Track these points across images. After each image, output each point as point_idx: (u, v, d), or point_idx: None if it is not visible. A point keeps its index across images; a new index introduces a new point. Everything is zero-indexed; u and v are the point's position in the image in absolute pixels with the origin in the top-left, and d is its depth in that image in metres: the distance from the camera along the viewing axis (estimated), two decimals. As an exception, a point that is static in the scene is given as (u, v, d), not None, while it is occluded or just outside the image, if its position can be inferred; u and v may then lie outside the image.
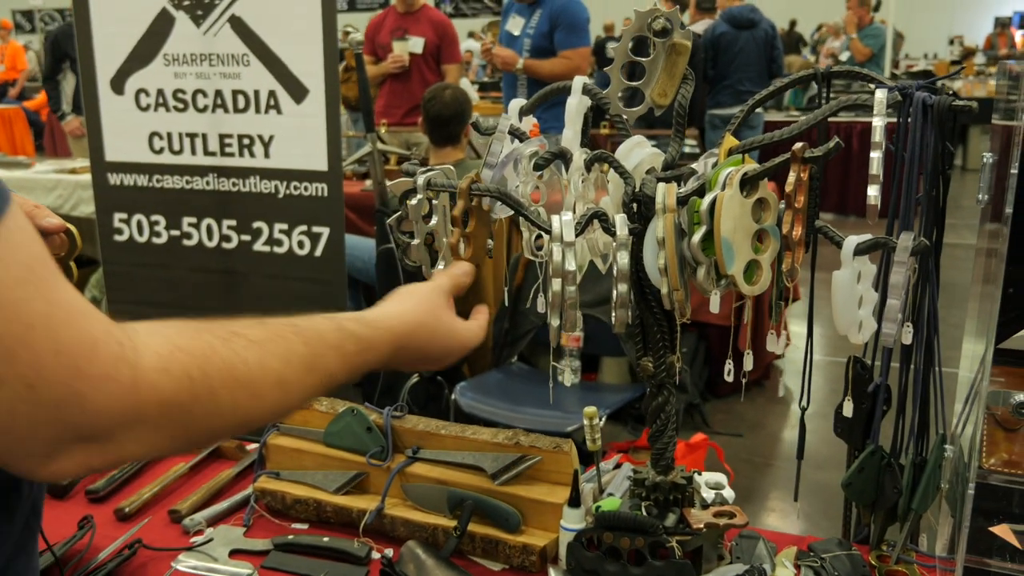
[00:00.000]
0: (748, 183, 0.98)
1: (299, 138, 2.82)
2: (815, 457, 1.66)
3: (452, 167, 1.18)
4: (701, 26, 6.99)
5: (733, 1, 6.87)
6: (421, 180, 1.11)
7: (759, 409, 4.14)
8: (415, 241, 1.12)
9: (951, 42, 15.50)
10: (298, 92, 2.78)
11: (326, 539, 1.33)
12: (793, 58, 11.58)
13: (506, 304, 3.07)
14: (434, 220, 1.12)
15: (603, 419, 2.87)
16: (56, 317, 0.58)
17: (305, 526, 1.40)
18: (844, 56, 8.52)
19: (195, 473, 1.58)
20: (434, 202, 1.13)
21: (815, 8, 14.56)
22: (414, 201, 1.10)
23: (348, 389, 3.12)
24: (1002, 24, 15.46)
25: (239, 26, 2.79)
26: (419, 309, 0.98)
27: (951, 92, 1.13)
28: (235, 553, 1.34)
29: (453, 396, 2.97)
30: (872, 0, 8.49)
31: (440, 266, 1.15)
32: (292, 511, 1.41)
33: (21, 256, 0.57)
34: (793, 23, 13.59)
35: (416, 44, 5.32)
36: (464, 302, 1.15)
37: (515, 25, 4.78)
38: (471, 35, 14.01)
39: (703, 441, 2.83)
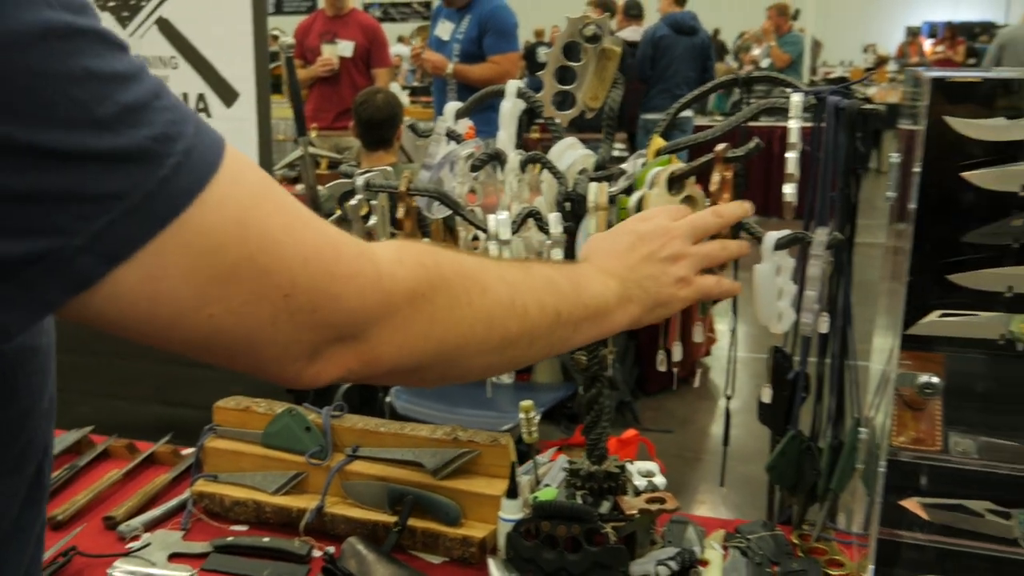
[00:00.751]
0: (675, 182, 1.03)
1: (230, 142, 2.79)
2: (742, 450, 1.74)
3: (389, 169, 1.21)
4: (628, 32, 7.12)
5: (668, 7, 7.00)
6: (360, 181, 1.13)
7: (688, 405, 4.24)
8: (355, 240, 1.15)
9: (865, 50, 16.08)
10: (228, 95, 2.77)
11: (266, 539, 1.34)
12: (718, 65, 11.87)
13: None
14: (372, 220, 1.15)
15: (537, 417, 2.92)
16: (296, 227, 0.60)
17: (245, 527, 1.41)
18: (765, 63, 8.78)
19: (130, 479, 1.57)
20: (372, 203, 1.16)
21: (737, 17, 14.95)
22: (353, 202, 1.13)
23: (281, 394, 3.07)
24: (912, 33, 16.09)
25: (167, 28, 2.76)
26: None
27: (863, 97, 1.20)
28: (174, 557, 1.34)
29: (388, 398, 2.98)
30: (791, 9, 8.77)
31: (379, 265, 1.17)
32: (231, 513, 1.41)
33: (252, 176, 0.59)
34: (716, 31, 13.92)
35: (346, 48, 5.31)
36: None
37: (444, 30, 4.81)
38: (400, 40, 13.97)
39: (634, 437, 2.89)
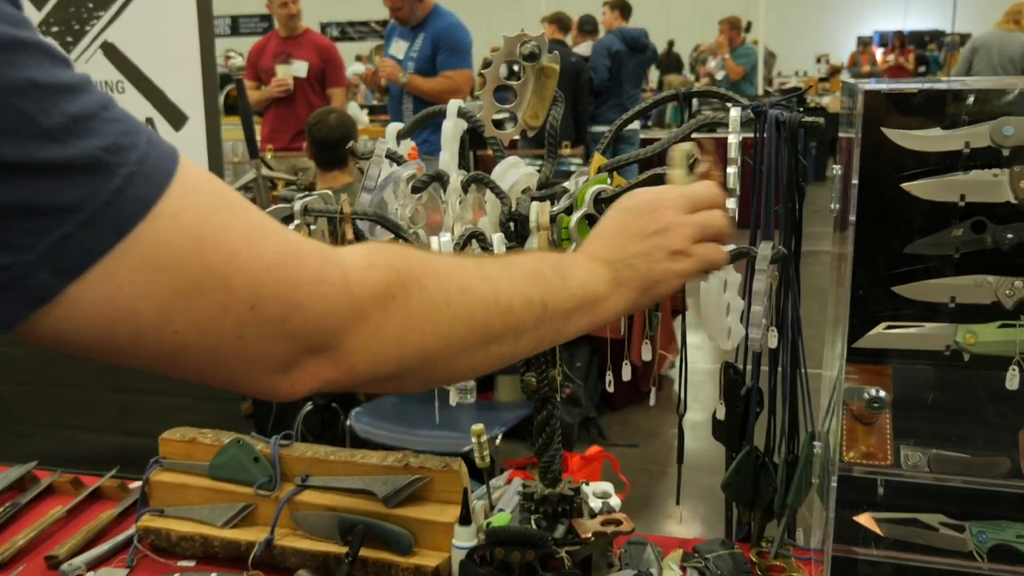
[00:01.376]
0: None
1: (179, 166, 2.76)
2: (708, 462, 1.72)
3: (332, 192, 1.18)
4: (584, 48, 7.16)
5: (614, 22, 7.05)
6: (298, 206, 1.11)
7: (653, 419, 4.24)
8: (293, 267, 1.12)
9: (818, 60, 16.33)
10: (177, 119, 2.72)
11: (214, 574, 1.30)
12: (673, 77, 11.99)
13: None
14: (312, 245, 1.12)
15: (499, 437, 2.90)
16: (256, 237, 0.58)
17: (192, 563, 1.37)
18: (720, 75, 8.88)
19: (73, 516, 1.52)
20: (312, 227, 1.14)
21: (690, 28, 15.12)
22: (291, 227, 1.10)
23: (240, 420, 3.01)
24: (864, 43, 16.39)
25: (112, 52, 2.72)
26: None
27: (815, 107, 1.20)
28: (119, 596, 1.29)
29: (348, 422, 2.94)
30: (742, 22, 8.88)
31: (320, 291, 1.15)
32: (178, 548, 1.37)
33: (208, 186, 0.57)
34: (671, 43, 14.07)
35: (300, 68, 5.28)
36: None
37: (398, 49, 4.79)
38: (358, 59, 13.94)
39: (598, 453, 2.88)
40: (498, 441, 2.84)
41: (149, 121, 2.75)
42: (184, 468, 1.41)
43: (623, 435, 3.99)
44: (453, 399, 1.28)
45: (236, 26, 16.29)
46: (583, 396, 3.63)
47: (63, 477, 1.60)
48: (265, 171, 4.20)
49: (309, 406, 3.09)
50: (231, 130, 4.45)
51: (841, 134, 1.21)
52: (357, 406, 3.03)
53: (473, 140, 1.34)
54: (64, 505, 1.51)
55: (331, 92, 5.38)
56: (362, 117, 8.74)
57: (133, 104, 2.74)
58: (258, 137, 5.50)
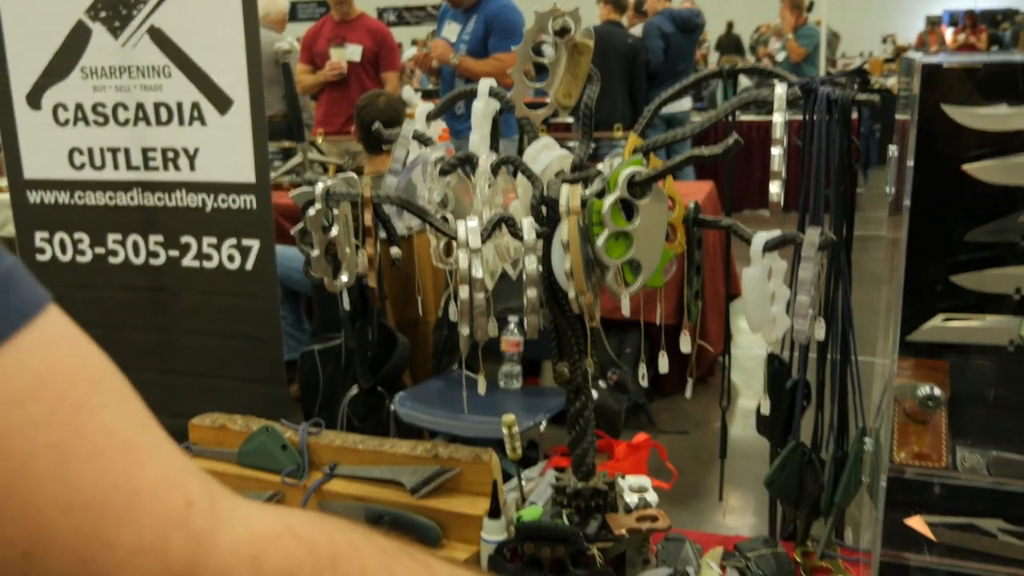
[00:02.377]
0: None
1: (225, 150, 2.76)
2: (761, 452, 1.66)
3: (371, 177, 1.14)
4: (639, 29, 7.03)
5: (660, 3, 6.91)
6: (319, 189, 1.07)
7: (704, 406, 4.15)
8: (315, 252, 1.08)
9: (884, 40, 15.84)
10: (222, 103, 2.72)
11: (243, 563, 1.28)
12: (734, 58, 11.73)
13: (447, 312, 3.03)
14: (334, 231, 1.09)
15: (544, 423, 2.85)
16: (72, 452, 0.40)
17: (223, 550, 1.35)
18: (780, 56, 8.64)
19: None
20: (335, 211, 1.10)
21: (749, 9, 14.78)
22: (311, 212, 1.07)
23: (287, 404, 3.02)
24: (932, 22, 15.85)
25: (159, 37, 2.72)
26: None
27: (876, 89, 1.13)
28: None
29: (392, 406, 2.93)
30: (805, 1, 8.63)
31: (344, 278, 1.11)
32: (209, 535, 1.36)
33: (32, 363, 0.40)
34: (730, 25, 13.77)
35: (354, 52, 5.26)
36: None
37: (451, 31, 4.75)
38: (415, 43, 13.94)
39: (645, 441, 2.82)
40: (543, 427, 2.80)
41: (195, 106, 2.75)
42: (213, 455, 1.40)
43: (673, 422, 3.92)
44: (480, 387, 1.23)
45: (294, 12, 16.44)
46: (631, 382, 3.57)
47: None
48: (314, 155, 4.20)
49: (355, 390, 3.08)
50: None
51: (898, 114, 1.14)
52: (402, 390, 3.02)
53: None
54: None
55: (385, 76, 5.36)
56: (416, 101, 8.73)
57: (179, 89, 2.75)
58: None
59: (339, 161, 4.48)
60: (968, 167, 0.94)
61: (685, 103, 6.55)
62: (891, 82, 9.43)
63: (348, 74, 5.24)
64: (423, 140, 1.20)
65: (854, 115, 1.14)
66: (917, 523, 1.04)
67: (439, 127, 1.27)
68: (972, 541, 1.02)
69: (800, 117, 1.19)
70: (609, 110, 5.61)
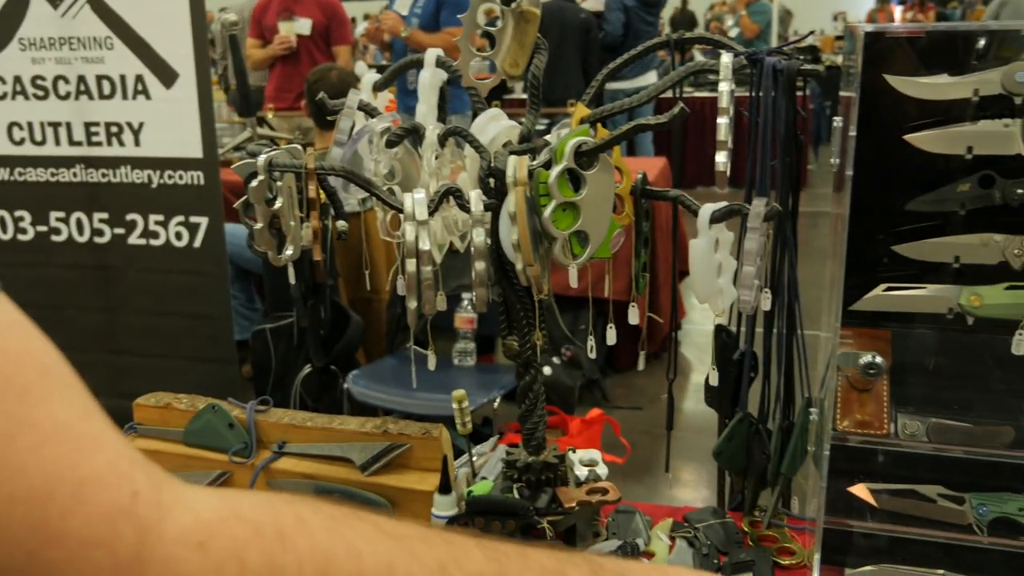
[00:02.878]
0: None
1: (171, 124, 2.70)
2: (714, 426, 1.67)
3: (300, 147, 1.12)
4: (594, 3, 7.00)
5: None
6: (261, 160, 1.05)
7: (659, 382, 4.16)
8: (258, 225, 1.06)
9: (835, 18, 15.99)
10: (167, 76, 2.66)
11: (190, 542, 1.26)
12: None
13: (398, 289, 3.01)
14: (278, 203, 1.07)
15: (498, 400, 2.85)
16: (17, 442, 0.39)
17: (170, 530, 1.33)
18: (733, 33, 8.69)
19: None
20: (278, 184, 1.08)
21: (705, -15, 14.81)
22: (255, 183, 1.05)
23: (239, 383, 2.98)
24: (882, 1, 16.02)
25: (100, 7, 2.64)
26: None
27: (828, 67, 1.13)
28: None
29: (346, 385, 2.91)
30: (758, -23, 8.68)
31: (288, 251, 1.09)
32: (155, 515, 1.33)
33: None
34: (685, 1, 13.80)
35: (303, 25, 5.17)
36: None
37: (403, 5, 4.69)
38: (367, 17, 13.75)
39: (599, 416, 2.84)
40: (496, 404, 2.80)
41: (139, 79, 2.69)
42: (158, 434, 1.37)
43: (627, 398, 3.95)
44: (431, 363, 1.22)
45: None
46: (585, 358, 3.58)
47: (41, 442, 1.56)
48: (264, 131, 4.13)
49: (307, 369, 3.05)
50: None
51: (842, 89, 1.14)
52: (355, 369, 3.00)
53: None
54: (40, 470, 1.48)
55: (336, 50, 5.28)
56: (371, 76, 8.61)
57: (122, 61, 2.68)
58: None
59: (289, 136, 4.41)
60: (909, 137, 0.95)
61: (650, 78, 6.54)
62: (841, 59, 9.53)
63: (298, 49, 5.15)
64: (369, 111, 1.18)
65: (808, 91, 1.15)
66: (860, 490, 1.05)
67: (386, 98, 1.25)
68: (912, 507, 1.04)
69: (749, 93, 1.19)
70: (563, 87, 5.59)
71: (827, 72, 1.13)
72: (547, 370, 3.43)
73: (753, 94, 1.13)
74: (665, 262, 3.46)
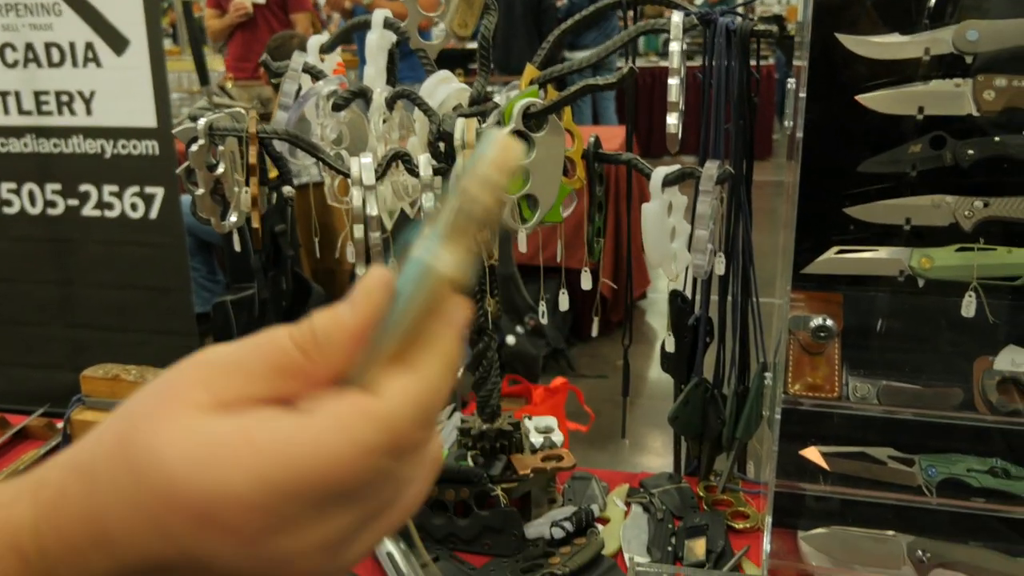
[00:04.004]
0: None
1: (123, 93, 2.63)
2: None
3: (240, 110, 1.09)
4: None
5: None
6: (201, 124, 1.02)
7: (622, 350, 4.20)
8: (199, 191, 1.03)
9: (803, -14, 15.97)
10: (118, 43, 2.59)
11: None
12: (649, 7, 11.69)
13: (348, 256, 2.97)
14: (220, 169, 1.04)
15: (460, 371, 2.84)
16: None
17: (120, 504, 1.31)
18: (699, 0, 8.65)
19: (-2, 457, 1.45)
20: (220, 148, 1.05)
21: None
22: (195, 147, 1.01)
23: (165, 358, 2.99)
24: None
25: (46, -29, 2.56)
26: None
27: (790, 36, 1.11)
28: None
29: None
30: (725, -56, 8.62)
31: (232, 218, 1.06)
32: (105, 490, 1.31)
33: None
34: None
35: (259, -8, 5.07)
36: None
37: (364, -29, 4.61)
38: (331, -14, 13.50)
39: (563, 385, 2.84)
40: (459, 374, 2.78)
41: (89, 46, 2.61)
42: (107, 407, 1.34)
43: (592, 367, 3.96)
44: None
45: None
46: (550, 328, 3.58)
47: (-12, 416, 1.53)
48: (223, 100, 4.04)
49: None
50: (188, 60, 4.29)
51: (796, 50, 1.13)
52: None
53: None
54: (-13, 445, 1.45)
55: (294, 18, 5.18)
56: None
57: (70, 28, 2.60)
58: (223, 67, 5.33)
59: (248, 107, 4.33)
60: (860, 97, 0.94)
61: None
62: (808, 28, 9.52)
63: (256, 17, 5.05)
64: (315, 73, 1.14)
65: (773, 60, 1.13)
66: (811, 453, 1.06)
67: (335, 61, 1.21)
68: (863, 469, 1.04)
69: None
70: (519, 55, 5.54)
71: (787, 40, 1.12)
72: (511, 340, 3.43)
73: (705, 56, 1.12)
74: (624, 229, 3.46)
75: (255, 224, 1.02)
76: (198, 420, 0.37)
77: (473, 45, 1.09)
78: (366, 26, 1.16)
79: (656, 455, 3.22)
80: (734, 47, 1.09)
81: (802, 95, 0.92)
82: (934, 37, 0.93)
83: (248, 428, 0.36)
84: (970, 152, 0.96)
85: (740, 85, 1.08)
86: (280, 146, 1.13)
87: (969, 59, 0.93)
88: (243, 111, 1.07)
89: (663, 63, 6.73)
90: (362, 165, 1.02)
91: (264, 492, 0.35)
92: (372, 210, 1.02)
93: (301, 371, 0.38)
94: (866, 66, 0.94)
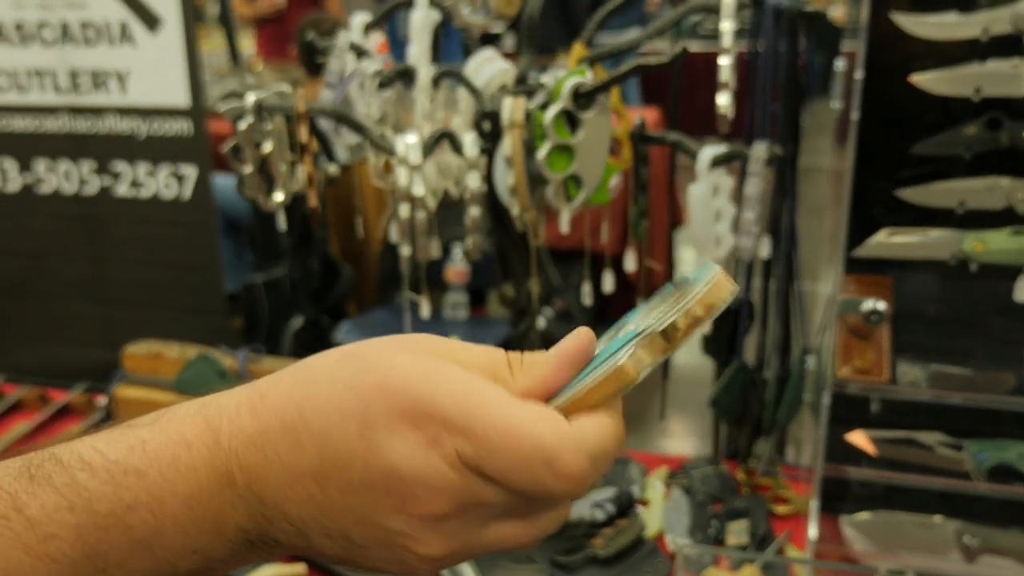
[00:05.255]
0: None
1: (156, 72, 2.64)
2: (706, 376, 1.67)
3: (287, 89, 1.09)
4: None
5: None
6: (250, 101, 1.02)
7: (651, 335, 4.19)
8: (247, 169, 1.03)
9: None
10: (151, 21, 2.60)
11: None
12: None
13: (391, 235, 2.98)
14: (267, 147, 1.04)
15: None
16: None
17: (162, 480, 1.32)
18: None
19: (41, 432, 1.47)
20: (268, 128, 1.05)
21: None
22: (243, 125, 1.02)
23: (230, 335, 2.97)
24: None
25: (80, -51, 2.57)
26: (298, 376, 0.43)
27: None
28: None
29: (339, 336, 2.89)
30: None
31: (279, 196, 1.07)
32: (147, 465, 1.32)
33: None
34: (681, -50, 13.59)
35: (291, -20, 5.05)
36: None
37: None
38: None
39: (592, 369, 2.83)
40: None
41: (123, 25, 2.62)
42: (150, 383, 1.36)
43: (620, 351, 3.95)
44: (424, 311, 1.20)
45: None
46: (577, 311, 3.57)
47: (31, 392, 1.55)
48: (254, 81, 4.05)
49: (300, 321, 3.03)
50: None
51: (846, 43, 1.11)
52: (346, 319, 2.98)
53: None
54: (30, 421, 1.46)
55: (327, 2, 5.17)
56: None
57: (104, 7, 2.61)
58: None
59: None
60: (916, 77, 0.92)
61: (634, 33, 6.43)
62: (836, 13, 9.41)
63: (286, 7, 5.04)
64: (360, 52, 1.14)
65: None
66: (858, 438, 1.05)
67: (377, 40, 1.21)
68: (911, 454, 1.03)
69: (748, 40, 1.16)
70: (544, 36, 5.49)
71: (829, 26, 1.11)
72: (541, 323, 3.43)
73: (753, 37, 1.10)
74: (657, 212, 3.44)
75: (312, 203, 1.02)
76: (431, 360, 0.40)
77: (498, 29, 1.08)
78: (409, 4, 1.16)
79: (686, 438, 3.22)
80: (782, 27, 1.07)
81: (858, 76, 0.91)
82: (992, 16, 0.91)
83: (472, 379, 0.40)
84: (1027, 134, 0.94)
85: (788, 67, 1.07)
86: (325, 126, 1.13)
87: (1028, 39, 0.91)
88: (288, 89, 1.07)
89: (694, 48, 6.67)
90: (408, 145, 1.02)
91: (465, 423, 0.38)
92: (418, 189, 1.02)
93: (504, 378, 0.42)
94: (922, 46, 0.93)
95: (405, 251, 1.07)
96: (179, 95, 2.62)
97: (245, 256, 4.11)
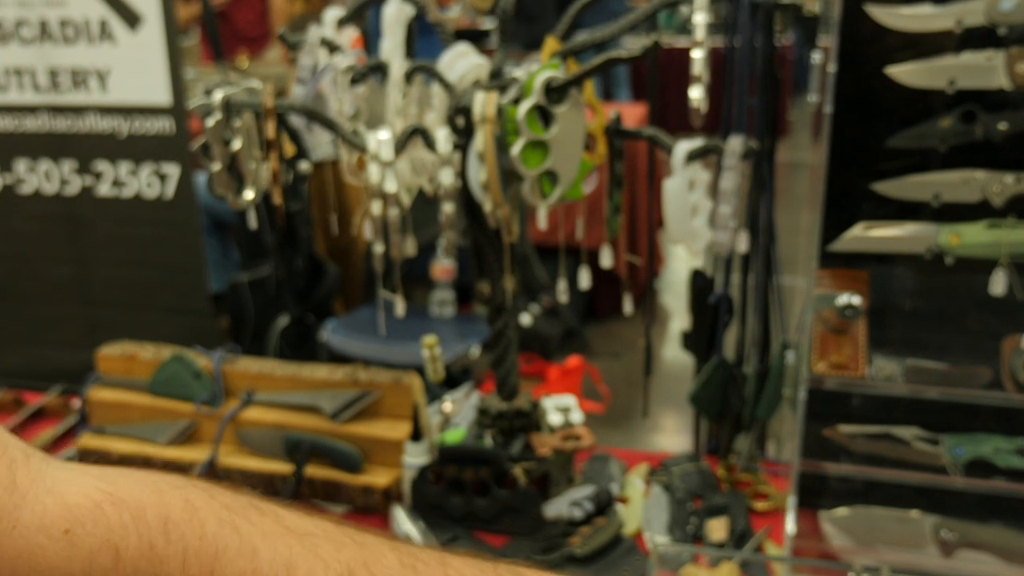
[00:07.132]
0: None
1: (137, 70, 2.62)
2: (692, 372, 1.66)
3: (257, 85, 1.07)
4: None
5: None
6: (217, 98, 1.00)
7: (638, 330, 4.18)
8: (215, 167, 1.02)
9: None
10: (131, 19, 2.57)
11: (159, 494, 1.24)
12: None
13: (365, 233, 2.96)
14: (236, 144, 1.02)
15: (478, 350, 2.83)
16: None
17: (138, 482, 1.31)
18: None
19: (15, 435, 1.45)
20: (236, 124, 1.03)
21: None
22: (211, 122, 1.00)
23: (215, 335, 2.94)
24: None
25: (58, -54, 2.55)
26: None
27: (809, 16, 1.09)
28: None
29: (325, 336, 2.88)
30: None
31: (249, 194, 1.05)
32: (123, 467, 1.31)
33: None
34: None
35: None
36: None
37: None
38: (343, -37, 13.43)
39: (578, 364, 2.83)
40: (477, 353, 2.78)
41: (102, 23, 2.60)
42: (124, 384, 1.34)
43: (607, 346, 3.94)
44: (400, 310, 1.19)
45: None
46: (565, 307, 3.56)
47: (6, 395, 1.53)
48: (237, 77, 4.02)
49: (287, 319, 3.02)
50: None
51: (823, 21, 1.10)
52: (332, 318, 2.97)
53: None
54: (4, 424, 1.44)
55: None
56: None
57: (83, 4, 2.59)
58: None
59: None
60: (891, 70, 0.92)
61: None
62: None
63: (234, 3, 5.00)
64: (332, 47, 1.13)
65: (787, 41, 1.11)
66: (836, 434, 1.04)
67: (351, 35, 1.20)
68: (888, 449, 1.03)
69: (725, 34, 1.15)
70: (540, 33, 5.48)
71: (808, 20, 1.10)
72: (526, 319, 3.42)
73: (728, 31, 1.10)
74: (643, 209, 3.43)
75: (276, 201, 1.00)
76: None
77: (488, 25, 1.07)
78: (383, -1, 1.14)
79: (673, 434, 3.21)
80: (758, 22, 1.07)
81: (831, 70, 0.90)
82: (966, 7, 0.91)
83: None
84: (1002, 126, 0.93)
85: (764, 60, 1.06)
86: (296, 122, 1.12)
87: (1002, 31, 0.91)
88: (258, 86, 1.05)
89: (677, 45, 6.67)
90: (380, 141, 1.01)
91: None
92: (390, 186, 1.01)
93: None
94: (896, 39, 0.92)
95: (378, 248, 1.05)
96: (160, 93, 2.60)
97: (232, 255, 4.09)
